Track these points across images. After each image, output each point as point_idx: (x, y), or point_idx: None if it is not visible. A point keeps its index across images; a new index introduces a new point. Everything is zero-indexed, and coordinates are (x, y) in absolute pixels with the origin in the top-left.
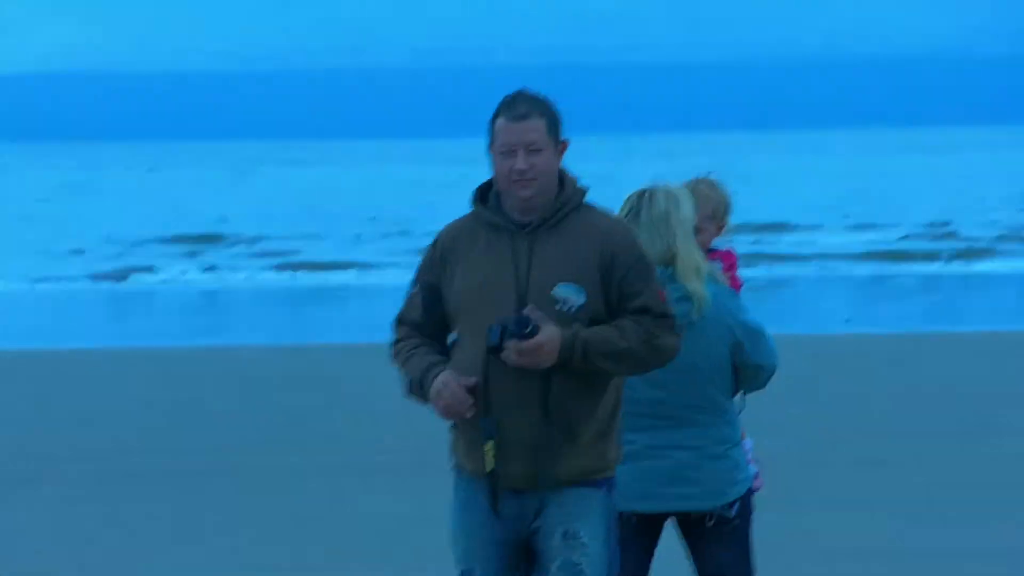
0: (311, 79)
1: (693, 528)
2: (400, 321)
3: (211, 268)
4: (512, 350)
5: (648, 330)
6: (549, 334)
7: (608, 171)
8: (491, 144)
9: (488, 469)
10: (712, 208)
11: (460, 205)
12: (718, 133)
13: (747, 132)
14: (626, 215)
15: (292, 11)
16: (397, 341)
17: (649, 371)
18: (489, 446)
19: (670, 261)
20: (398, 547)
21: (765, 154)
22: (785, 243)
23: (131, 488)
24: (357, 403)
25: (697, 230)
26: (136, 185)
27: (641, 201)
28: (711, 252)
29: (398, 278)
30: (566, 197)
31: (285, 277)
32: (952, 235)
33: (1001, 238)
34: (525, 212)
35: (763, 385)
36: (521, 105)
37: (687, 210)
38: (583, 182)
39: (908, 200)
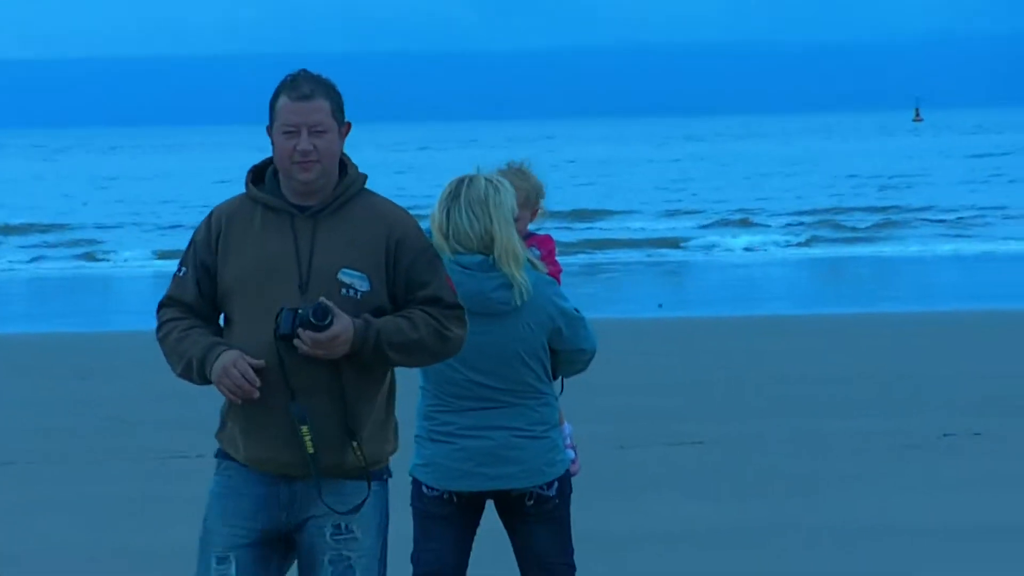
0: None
1: (513, 508)
2: (168, 302)
3: None
4: (307, 340)
5: (439, 321)
6: (344, 324)
7: (416, 160)
8: (272, 124)
9: (311, 452)
10: (524, 196)
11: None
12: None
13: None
14: (445, 197)
15: None
16: (166, 321)
17: (436, 362)
18: (305, 430)
19: (488, 246)
20: None
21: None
22: (598, 228)
23: None
24: None
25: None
26: None
27: (461, 185)
28: (529, 237)
29: None
30: (349, 181)
31: None
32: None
33: (788, 226)
34: (305, 195)
35: (583, 369)
36: (304, 85)
37: (508, 198)
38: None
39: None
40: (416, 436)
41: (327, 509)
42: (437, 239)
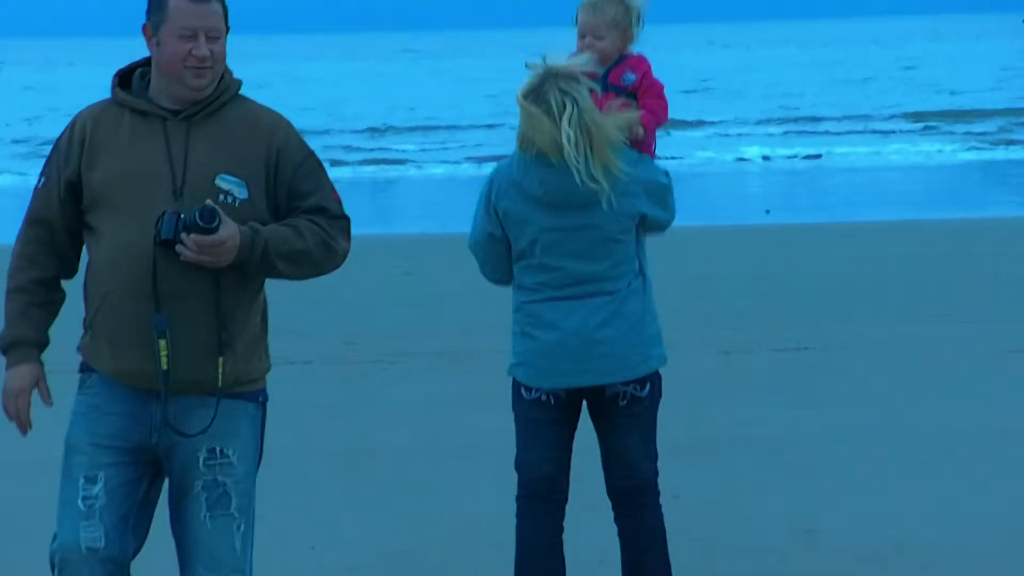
0: None
1: (604, 407)
2: (31, 222)
3: None
4: (192, 244)
5: (326, 231)
6: (231, 229)
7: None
8: (158, 24)
9: (163, 368)
10: (611, 16)
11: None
12: None
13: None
14: (528, 102)
15: None
16: (18, 255)
17: (320, 275)
18: (163, 344)
19: (585, 146)
20: None
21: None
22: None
23: None
24: None
25: (598, 37)
26: None
27: (543, 95)
28: (621, 61)
29: None
30: (224, 86)
31: None
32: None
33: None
34: (188, 102)
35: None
36: None
37: (585, 94)
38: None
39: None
40: (512, 333)
41: (198, 432)
42: (523, 143)
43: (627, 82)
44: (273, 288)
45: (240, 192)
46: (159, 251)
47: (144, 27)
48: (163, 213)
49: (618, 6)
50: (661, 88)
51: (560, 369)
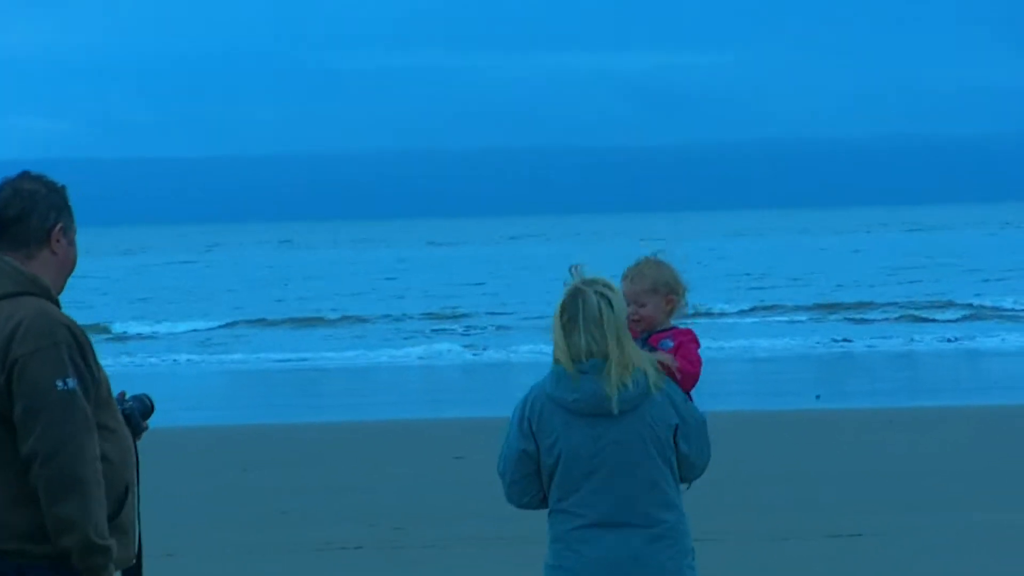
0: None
1: None
2: None
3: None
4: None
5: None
6: None
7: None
8: (68, 228)
9: None
10: (651, 282)
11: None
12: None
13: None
14: (563, 319)
15: None
16: None
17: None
18: None
19: (605, 357)
20: None
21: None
22: None
23: None
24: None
25: (640, 305)
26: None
27: (576, 305)
28: (667, 331)
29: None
30: None
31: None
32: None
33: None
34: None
35: (695, 478)
36: None
37: (620, 307)
38: None
39: None
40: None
41: None
42: (559, 354)
43: (664, 347)
44: (324, 473)
45: None
46: None
47: (58, 230)
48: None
49: (658, 273)
50: (696, 357)
51: None
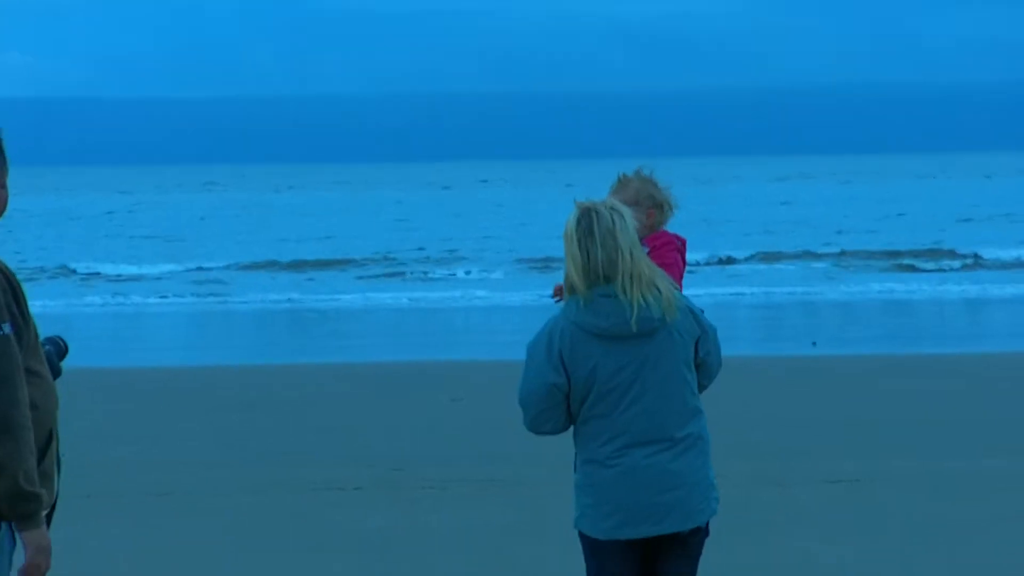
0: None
1: (672, 547)
2: None
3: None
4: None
5: None
6: None
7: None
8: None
9: None
10: (633, 193)
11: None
12: None
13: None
14: (579, 233)
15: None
16: None
17: None
18: None
19: (617, 272)
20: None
21: None
22: None
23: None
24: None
25: None
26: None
27: (591, 220)
28: (646, 238)
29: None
30: None
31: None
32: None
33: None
34: None
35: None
36: None
37: (631, 221)
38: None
39: None
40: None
41: None
42: (573, 276)
43: None
44: (322, 414)
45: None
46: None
47: None
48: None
49: (642, 185)
50: (671, 259)
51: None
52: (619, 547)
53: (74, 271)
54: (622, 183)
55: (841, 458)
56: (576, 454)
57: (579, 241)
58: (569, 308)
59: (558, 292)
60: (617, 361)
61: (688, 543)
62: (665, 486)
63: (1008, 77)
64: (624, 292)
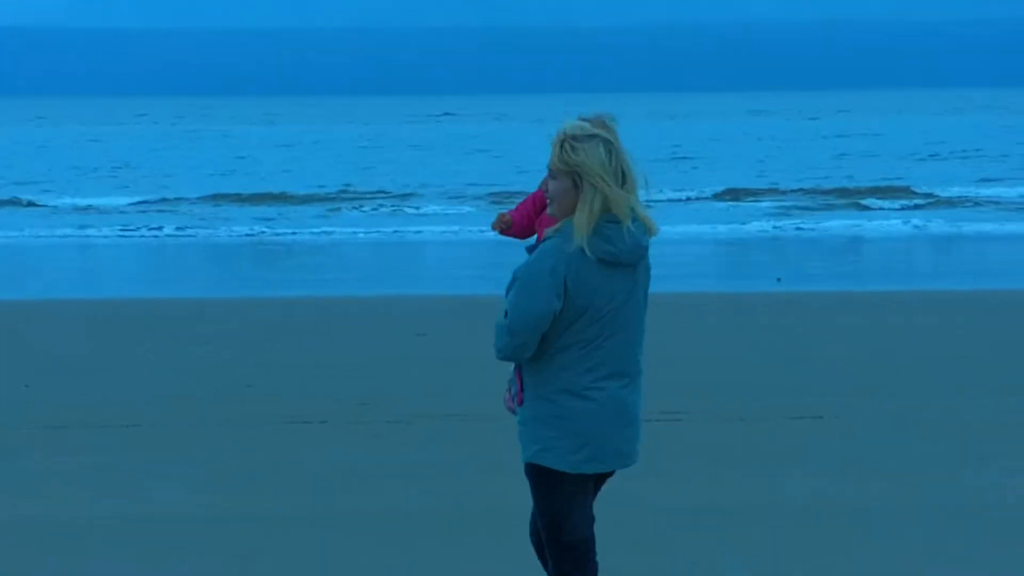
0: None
1: (602, 482)
2: None
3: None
4: None
5: None
6: None
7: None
8: None
9: None
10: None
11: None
12: None
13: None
14: (611, 142)
15: None
16: None
17: None
18: None
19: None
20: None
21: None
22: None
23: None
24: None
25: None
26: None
27: (612, 129)
28: None
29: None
30: None
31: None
32: None
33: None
34: None
35: None
36: None
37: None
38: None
39: None
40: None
41: None
42: (615, 204)
43: None
44: (288, 348)
45: None
46: None
47: None
48: None
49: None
50: None
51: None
52: (581, 480)
53: (31, 203)
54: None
55: (803, 396)
56: (536, 384)
57: (615, 175)
58: (578, 234)
59: (504, 223)
60: (611, 288)
61: (606, 479)
62: (627, 420)
63: (985, 16)
64: (641, 221)
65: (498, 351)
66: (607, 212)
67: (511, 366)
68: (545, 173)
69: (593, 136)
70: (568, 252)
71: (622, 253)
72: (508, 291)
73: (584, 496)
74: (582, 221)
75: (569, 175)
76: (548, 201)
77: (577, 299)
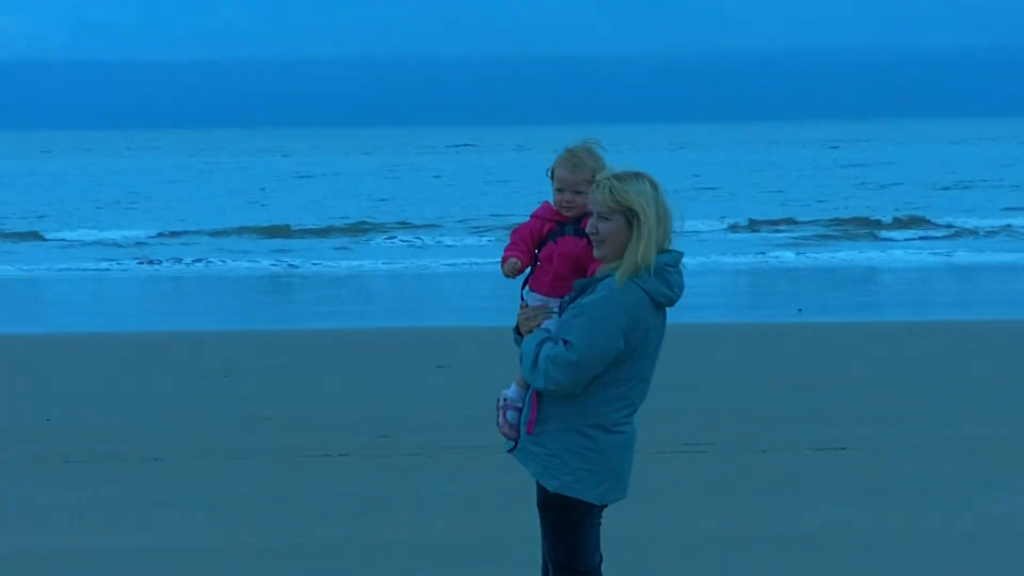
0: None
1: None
2: None
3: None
4: None
5: None
6: None
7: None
8: None
9: None
10: (591, 173)
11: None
12: None
13: None
14: (656, 189)
15: None
16: None
17: None
18: None
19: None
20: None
21: None
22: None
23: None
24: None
25: (577, 193)
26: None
27: (657, 188)
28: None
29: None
30: None
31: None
32: None
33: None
34: None
35: None
36: None
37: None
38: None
39: None
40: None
41: None
42: (651, 244)
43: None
44: (308, 380)
45: None
46: None
47: None
48: None
49: (596, 164)
50: None
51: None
52: (598, 511)
53: (44, 237)
54: (579, 161)
55: (827, 426)
56: (568, 417)
57: (660, 219)
58: (641, 275)
59: (517, 271)
60: (659, 328)
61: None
62: (632, 452)
63: (993, 42)
64: (679, 263)
65: (555, 383)
66: (662, 252)
67: (506, 389)
68: (537, 206)
69: (639, 175)
70: (637, 292)
71: (676, 296)
72: (565, 324)
73: (598, 526)
74: (646, 260)
75: (623, 214)
76: (596, 243)
77: (633, 338)
